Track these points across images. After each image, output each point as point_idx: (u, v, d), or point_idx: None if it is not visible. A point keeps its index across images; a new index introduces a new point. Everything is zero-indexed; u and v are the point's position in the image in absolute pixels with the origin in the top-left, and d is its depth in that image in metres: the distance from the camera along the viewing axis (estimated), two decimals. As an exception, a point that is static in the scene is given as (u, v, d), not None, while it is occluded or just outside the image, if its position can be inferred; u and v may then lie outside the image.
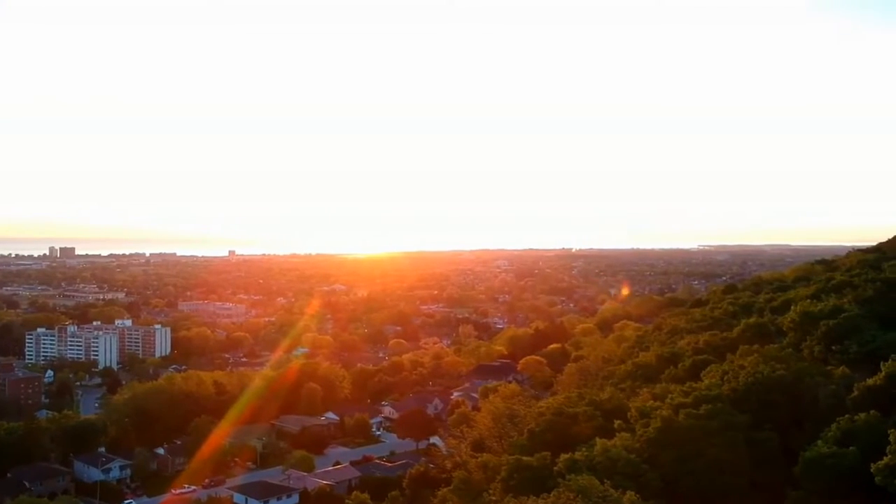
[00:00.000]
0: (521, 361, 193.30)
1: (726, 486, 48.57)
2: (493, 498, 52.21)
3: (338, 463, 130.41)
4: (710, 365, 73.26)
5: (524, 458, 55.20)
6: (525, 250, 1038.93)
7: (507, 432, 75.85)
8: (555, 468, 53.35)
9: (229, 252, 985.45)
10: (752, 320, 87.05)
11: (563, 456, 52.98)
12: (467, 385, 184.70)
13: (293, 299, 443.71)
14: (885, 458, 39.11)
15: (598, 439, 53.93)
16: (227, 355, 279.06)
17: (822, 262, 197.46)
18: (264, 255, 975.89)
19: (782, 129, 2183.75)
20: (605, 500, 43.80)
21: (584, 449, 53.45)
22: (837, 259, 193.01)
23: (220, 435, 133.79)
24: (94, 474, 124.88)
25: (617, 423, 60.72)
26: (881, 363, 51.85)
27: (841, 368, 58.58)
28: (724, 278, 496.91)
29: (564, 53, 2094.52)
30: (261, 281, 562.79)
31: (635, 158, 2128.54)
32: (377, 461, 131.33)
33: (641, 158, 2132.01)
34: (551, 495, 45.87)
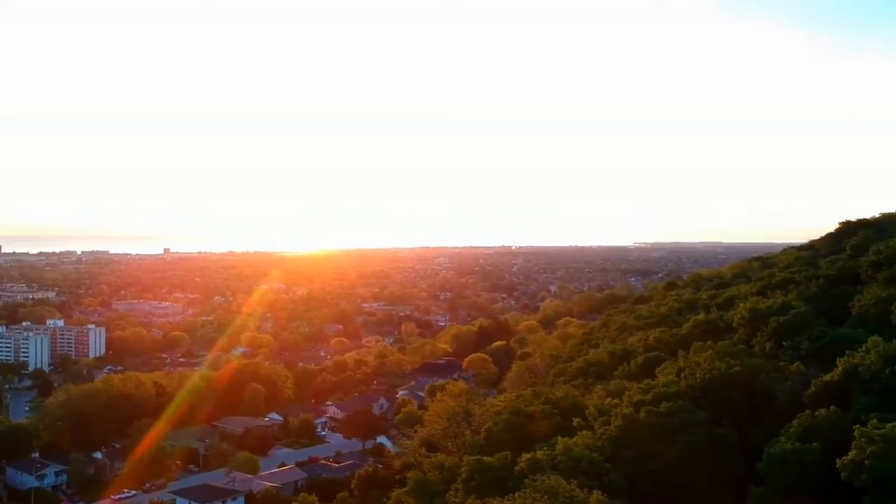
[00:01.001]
0: (466, 359, 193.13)
1: (688, 484, 48.57)
2: (456, 499, 51.26)
3: (283, 464, 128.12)
4: (662, 362, 73.71)
5: (485, 458, 54.40)
6: (465, 248, 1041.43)
7: (462, 432, 75.00)
8: (516, 468, 52.82)
9: (164, 250, 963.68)
10: (701, 317, 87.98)
11: (525, 455, 52.37)
12: (412, 383, 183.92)
13: (231, 298, 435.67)
14: (850, 453, 39.38)
15: (559, 438, 53.49)
16: (164, 355, 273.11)
17: (758, 259, 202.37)
18: (200, 252, 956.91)
19: (715, 130, 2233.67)
20: (571, 501, 43.33)
21: (545, 448, 52.95)
22: (772, 256, 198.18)
23: (161, 437, 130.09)
24: (27, 481, 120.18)
25: (576, 421, 60.47)
26: (837, 359, 52.50)
27: (795, 364, 59.25)
28: (659, 275, 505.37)
29: (516, 53, 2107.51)
30: (197, 279, 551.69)
31: (571, 158, 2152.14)
32: (323, 462, 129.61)
33: (576, 158, 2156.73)
34: (517, 496, 45.24)
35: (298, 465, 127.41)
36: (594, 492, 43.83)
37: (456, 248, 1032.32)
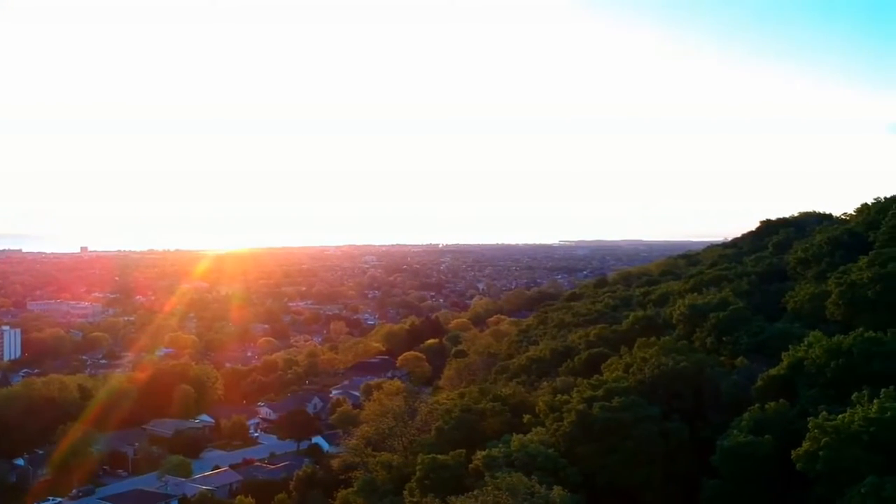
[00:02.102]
0: (399, 357, 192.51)
1: (644, 477, 49.43)
2: (413, 499, 50.93)
3: (216, 467, 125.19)
4: (605, 358, 74.98)
5: (439, 456, 54.25)
6: (392, 246, 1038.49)
7: (409, 430, 74.58)
8: (470, 466, 52.83)
9: (81, 248, 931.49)
10: (640, 313, 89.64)
11: (480, 453, 52.45)
12: (346, 383, 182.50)
13: (153, 297, 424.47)
14: (804, 444, 40.59)
15: (514, 435, 53.71)
16: (84, 357, 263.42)
17: (684, 256, 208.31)
18: (119, 251, 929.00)
19: (640, 130, 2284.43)
20: (532, 497, 43.53)
21: (500, 445, 53.09)
22: (697, 254, 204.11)
23: (87, 442, 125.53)
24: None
25: (526, 418, 60.91)
26: (782, 354, 54.12)
27: (739, 359, 60.87)
28: (584, 272, 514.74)
29: (448, 51, 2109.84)
30: (117, 278, 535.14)
31: (497, 158, 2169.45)
32: (258, 464, 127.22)
33: (502, 158, 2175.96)
34: (477, 494, 45.21)
35: (232, 467, 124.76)
36: (555, 487, 44.17)
37: (383, 246, 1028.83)
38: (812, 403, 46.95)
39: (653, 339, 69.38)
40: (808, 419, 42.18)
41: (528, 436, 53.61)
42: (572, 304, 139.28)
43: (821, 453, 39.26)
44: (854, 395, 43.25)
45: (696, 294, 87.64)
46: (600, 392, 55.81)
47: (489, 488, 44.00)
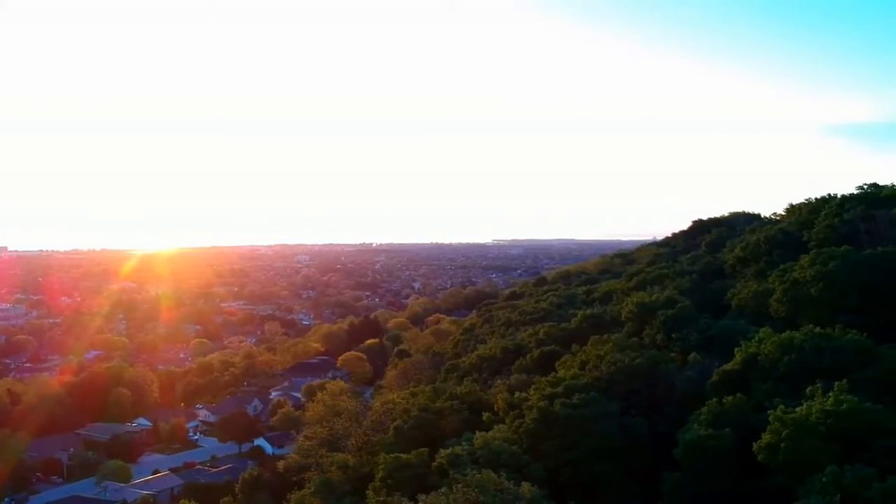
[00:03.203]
0: (340, 358, 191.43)
1: (605, 472, 50.47)
2: (378, 498, 50.93)
3: (156, 471, 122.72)
4: (557, 355, 76.10)
5: (402, 455, 54.39)
6: (325, 245, 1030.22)
7: (362, 430, 74.38)
8: (433, 464, 53.13)
9: (0, 248, 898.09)
10: (588, 311, 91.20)
11: (443, 451, 52.82)
12: (286, 384, 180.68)
13: (79, 298, 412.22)
14: (765, 436, 42.09)
15: (477, 433, 54.19)
16: (7, 360, 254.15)
17: (620, 255, 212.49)
18: (42, 251, 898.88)
19: (566, 130, 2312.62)
20: (501, 493, 44.04)
21: (464, 443, 53.53)
22: (632, 252, 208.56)
23: (19, 449, 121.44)
24: None
25: (486, 416, 61.51)
26: (735, 349, 55.89)
27: (692, 355, 62.55)
28: (518, 271, 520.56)
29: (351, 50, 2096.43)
30: (40, 279, 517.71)
31: (429, 158, 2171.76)
32: (199, 467, 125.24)
33: (434, 158, 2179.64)
34: (444, 492, 45.50)
35: (173, 471, 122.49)
36: (524, 483, 44.81)
37: (315, 245, 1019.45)
38: (767, 397, 48.65)
39: (605, 336, 70.78)
40: (768, 412, 43.73)
41: (491, 433, 54.15)
42: (516, 302, 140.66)
43: (782, 445, 40.75)
44: (808, 389, 44.95)
45: (640, 292, 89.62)
46: (560, 389, 56.70)
47: (459, 485, 44.33)
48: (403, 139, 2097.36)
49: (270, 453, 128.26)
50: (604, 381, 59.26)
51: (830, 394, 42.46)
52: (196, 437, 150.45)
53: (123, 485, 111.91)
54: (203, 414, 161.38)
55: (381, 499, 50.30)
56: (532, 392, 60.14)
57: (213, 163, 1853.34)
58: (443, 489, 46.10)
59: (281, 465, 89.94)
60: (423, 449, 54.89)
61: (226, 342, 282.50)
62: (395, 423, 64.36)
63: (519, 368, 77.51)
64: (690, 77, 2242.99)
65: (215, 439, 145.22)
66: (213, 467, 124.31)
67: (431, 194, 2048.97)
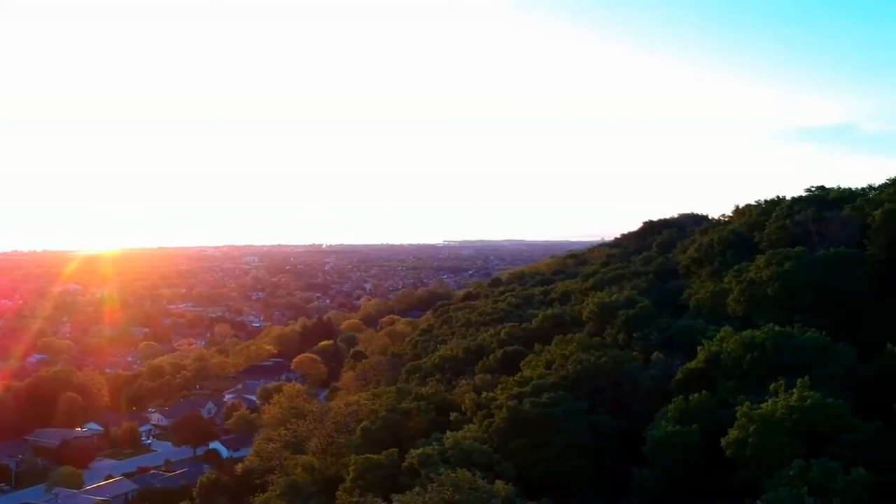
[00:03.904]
0: (293, 360, 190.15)
1: (576, 469, 51.40)
2: (352, 499, 50.96)
3: (109, 476, 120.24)
4: (520, 355, 77.01)
5: (373, 456, 54.55)
6: (274, 246, 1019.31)
7: (325, 431, 74.20)
8: (404, 464, 53.37)
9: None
10: (549, 312, 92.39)
11: (413, 451, 53.10)
12: (240, 386, 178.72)
13: (20, 301, 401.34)
14: (733, 432, 43.37)
15: (448, 433, 54.60)
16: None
17: (572, 256, 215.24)
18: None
19: (511, 130, 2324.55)
20: (476, 491, 44.53)
21: (434, 443, 53.90)
22: (584, 253, 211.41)
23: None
24: None
25: (453, 415, 61.97)
26: (698, 348, 57.30)
27: (655, 353, 63.92)
28: (470, 272, 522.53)
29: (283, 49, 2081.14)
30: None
31: (378, 158, 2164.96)
32: (154, 471, 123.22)
33: (382, 158, 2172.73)
34: (417, 491, 45.83)
35: (126, 476, 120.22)
36: (497, 481, 45.37)
37: (264, 246, 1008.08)
38: (731, 394, 50.09)
39: (569, 336, 71.80)
40: (734, 409, 45.07)
41: (461, 433, 54.59)
42: (473, 303, 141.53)
43: (750, 440, 42.04)
44: (771, 386, 46.39)
45: (600, 293, 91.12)
46: (528, 388, 57.47)
47: (434, 485, 44.69)
48: (350, 139, 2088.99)
49: (226, 456, 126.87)
50: (570, 380, 60.23)
51: (794, 390, 43.89)
52: (149, 442, 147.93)
53: (76, 491, 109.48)
54: (156, 418, 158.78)
55: (354, 499, 50.32)
56: (499, 392, 60.87)
57: (158, 162, 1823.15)
58: (416, 489, 46.46)
59: (240, 467, 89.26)
60: (394, 449, 55.11)
61: (175, 345, 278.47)
62: (362, 425, 64.34)
63: (483, 368, 78.22)
64: (641, 78, 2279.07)
65: (169, 443, 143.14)
66: (167, 472, 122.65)
67: (381, 194, 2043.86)
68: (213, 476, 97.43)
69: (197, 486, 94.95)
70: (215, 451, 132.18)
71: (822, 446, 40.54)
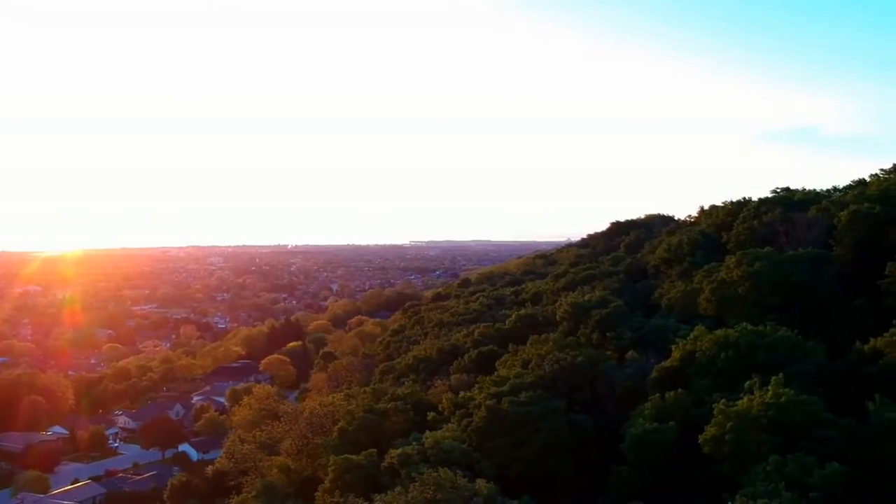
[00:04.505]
0: (262, 361, 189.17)
1: (555, 467, 51.95)
2: (333, 499, 51.03)
3: (76, 480, 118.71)
4: (494, 355, 77.48)
5: (352, 456, 54.59)
6: (238, 247, 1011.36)
7: (302, 433, 74.01)
8: (383, 464, 53.50)
9: None
10: (522, 312, 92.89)
11: (393, 451, 53.27)
12: (208, 388, 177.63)
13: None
14: (710, 429, 44.16)
15: (428, 432, 54.83)
16: None
17: (542, 256, 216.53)
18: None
19: (480, 131, 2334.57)
20: (457, 490, 44.88)
21: (413, 443, 54.11)
22: (552, 253, 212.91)
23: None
24: None
25: (431, 415, 62.23)
26: (672, 346, 58.12)
27: (630, 352, 64.74)
28: (437, 273, 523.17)
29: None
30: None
31: (344, 158, 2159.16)
32: (122, 475, 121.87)
33: (349, 158, 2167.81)
34: (399, 490, 46.07)
35: (94, 479, 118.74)
36: (478, 480, 45.77)
37: (229, 247, 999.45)
38: (706, 392, 50.89)
39: (545, 335, 72.33)
40: (712, 406, 45.87)
41: (440, 432, 54.90)
42: (445, 303, 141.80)
43: (727, 437, 42.84)
44: (746, 384, 47.24)
45: (572, 293, 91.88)
46: (506, 388, 57.90)
47: (416, 484, 44.95)
48: (314, 139, 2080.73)
49: (196, 459, 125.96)
50: (547, 379, 60.69)
51: (768, 387, 44.77)
52: (116, 445, 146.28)
53: (42, 496, 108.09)
54: (123, 420, 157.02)
55: (335, 500, 50.40)
56: (477, 391, 61.28)
57: (118, 162, 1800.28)
58: (398, 489, 46.71)
59: (211, 470, 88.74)
60: (372, 450, 55.21)
61: (140, 346, 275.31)
62: (339, 425, 64.29)
63: (458, 369, 78.53)
64: (603, 81, 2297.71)
65: (137, 446, 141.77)
66: (136, 475, 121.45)
67: (347, 195, 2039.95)
68: (184, 478, 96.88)
69: (167, 488, 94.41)
70: (184, 454, 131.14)
71: (797, 442, 41.38)
